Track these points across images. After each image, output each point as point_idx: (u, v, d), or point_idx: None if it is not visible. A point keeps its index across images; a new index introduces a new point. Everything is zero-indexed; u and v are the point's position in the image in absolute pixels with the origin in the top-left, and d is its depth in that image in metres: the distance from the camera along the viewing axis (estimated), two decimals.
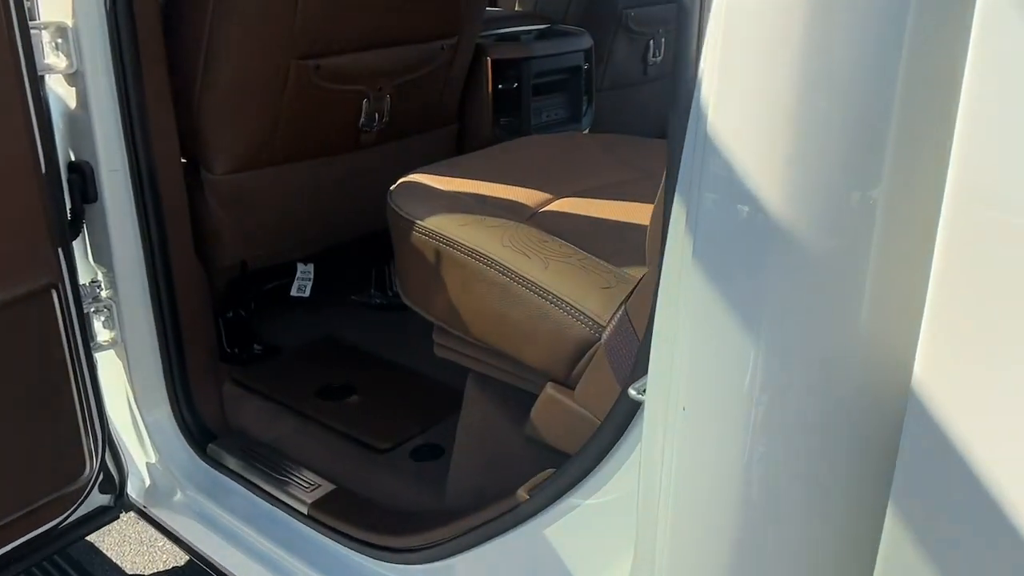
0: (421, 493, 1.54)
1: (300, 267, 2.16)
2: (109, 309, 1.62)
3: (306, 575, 1.47)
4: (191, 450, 1.69)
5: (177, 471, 1.68)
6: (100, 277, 1.62)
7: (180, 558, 1.92)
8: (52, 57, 1.44)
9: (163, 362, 1.69)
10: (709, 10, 0.75)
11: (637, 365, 1.00)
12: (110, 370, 1.66)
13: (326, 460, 1.64)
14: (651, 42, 2.83)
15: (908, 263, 0.70)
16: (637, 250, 1.32)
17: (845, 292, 0.73)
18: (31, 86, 1.29)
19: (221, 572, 1.57)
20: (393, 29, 1.84)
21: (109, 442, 1.57)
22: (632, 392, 0.90)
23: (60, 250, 1.41)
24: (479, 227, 1.31)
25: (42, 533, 1.48)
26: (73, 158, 1.55)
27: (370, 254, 2.34)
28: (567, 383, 1.23)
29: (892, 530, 0.71)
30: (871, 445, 0.75)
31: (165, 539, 1.69)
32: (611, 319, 1.14)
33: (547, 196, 1.52)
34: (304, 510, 1.52)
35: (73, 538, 1.60)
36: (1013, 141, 0.61)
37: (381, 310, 2.29)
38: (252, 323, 2.09)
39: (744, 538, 0.81)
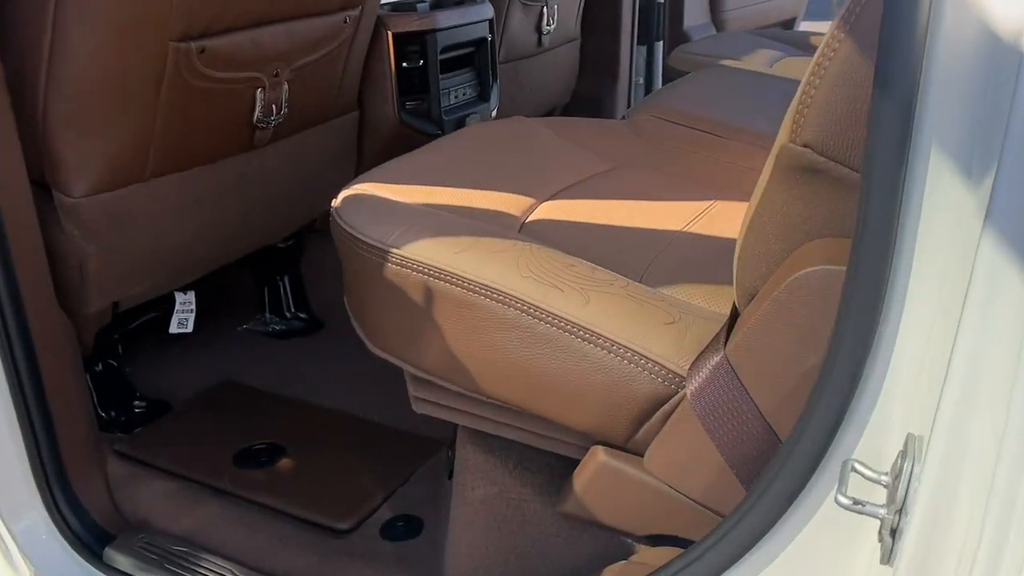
0: None
1: (179, 297, 1.76)
2: None
3: None
4: (81, 559, 1.29)
5: None
6: None
7: None
8: None
9: (27, 449, 1.28)
10: None
11: (760, 434, 0.75)
12: None
13: (267, 553, 1.29)
14: (544, 9, 2.57)
15: None
16: (672, 265, 1.06)
17: None
18: None
19: None
20: (293, 1, 1.47)
21: None
22: (841, 499, 0.64)
23: None
24: (481, 252, 1.01)
25: None
26: None
27: (260, 271, 1.96)
28: (626, 447, 0.95)
29: None
30: None
31: None
32: (697, 368, 0.87)
33: (528, 200, 1.23)
34: None
35: None
36: None
37: (282, 338, 1.92)
38: (126, 374, 1.68)
39: None
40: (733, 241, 1.17)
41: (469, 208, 1.17)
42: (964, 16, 0.57)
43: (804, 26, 3.76)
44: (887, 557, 0.64)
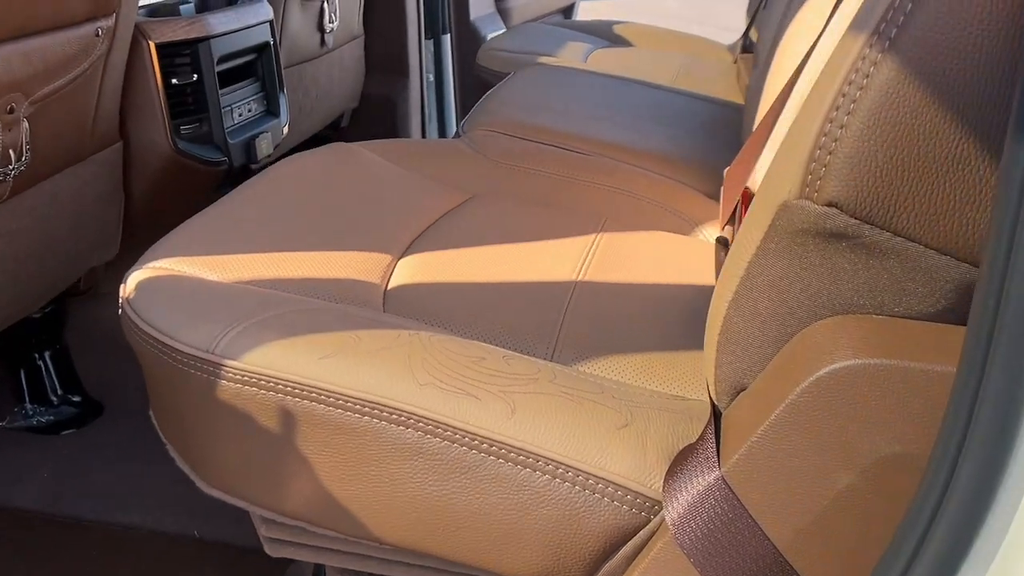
0: None
1: None
2: None
3: None
4: None
5: None
6: None
7: None
8: None
9: None
10: None
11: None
12: None
13: None
14: (325, 5, 2.27)
15: None
16: (583, 329, 0.85)
17: None
18: None
19: None
20: (22, 12, 1.10)
21: None
22: None
23: None
24: (356, 354, 0.74)
25: None
26: None
27: (12, 351, 1.55)
28: None
29: None
30: None
31: None
32: (676, 488, 0.66)
33: (381, 258, 0.97)
34: None
35: None
36: None
37: (50, 432, 1.53)
38: None
39: None
40: (641, 288, 0.98)
41: (313, 281, 0.89)
42: None
43: (581, 10, 3.69)
44: None
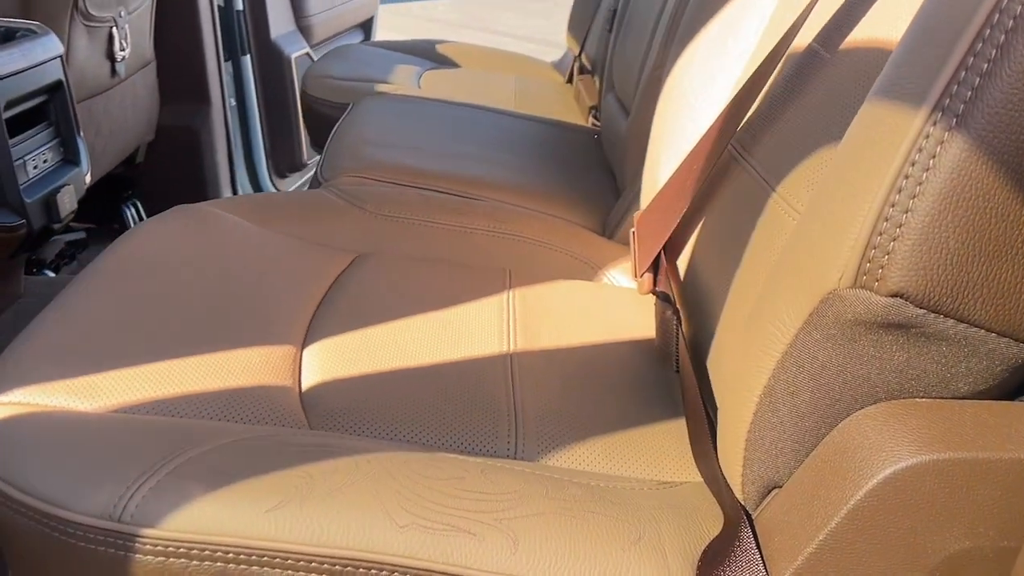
0: None
1: None
2: None
3: None
4: None
5: None
6: None
7: None
8: None
9: None
10: None
11: None
12: None
13: None
14: (113, 30, 2.02)
15: None
16: (538, 412, 0.77)
17: None
18: None
19: None
20: None
21: None
22: None
23: None
24: (314, 502, 0.61)
25: None
26: None
27: None
28: None
29: None
30: None
31: None
32: None
33: (283, 352, 0.83)
34: None
35: None
36: None
37: None
38: None
39: None
40: (577, 352, 0.91)
41: (211, 396, 0.74)
42: None
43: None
44: None
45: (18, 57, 1.42)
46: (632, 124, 1.30)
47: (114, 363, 0.75)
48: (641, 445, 0.77)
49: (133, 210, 2.26)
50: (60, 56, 1.57)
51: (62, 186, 1.53)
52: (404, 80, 1.87)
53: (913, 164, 0.49)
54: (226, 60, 2.54)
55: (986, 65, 0.47)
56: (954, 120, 0.48)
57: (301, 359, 0.83)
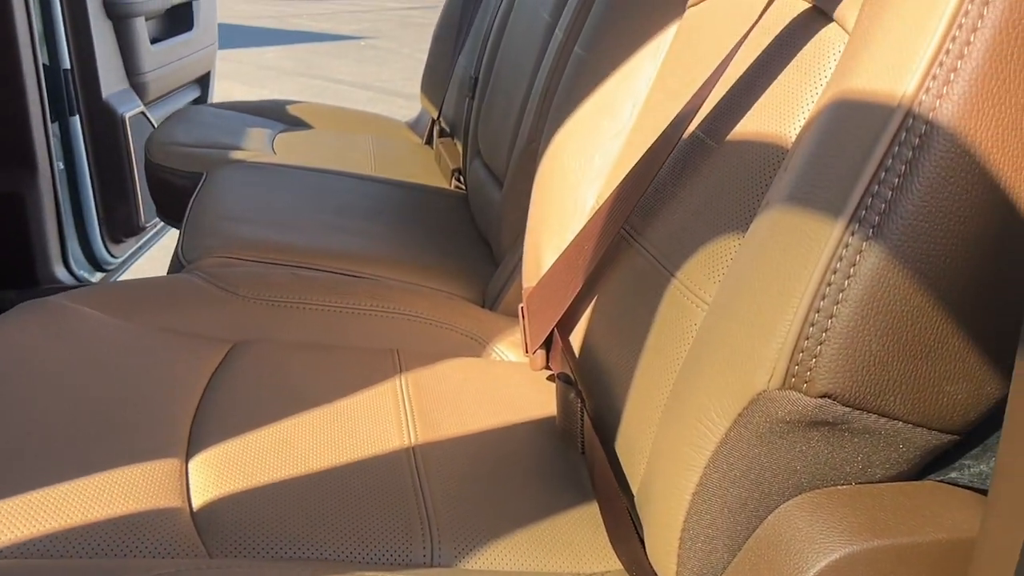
0: None
1: None
2: None
3: None
4: None
5: None
6: None
7: None
8: None
9: None
10: None
11: None
12: None
13: None
14: None
15: None
16: (457, 514, 0.76)
17: None
18: None
19: None
20: None
21: None
22: None
23: None
24: None
25: None
26: None
27: None
28: None
29: None
30: None
31: None
32: None
33: (169, 465, 0.78)
34: None
35: None
36: None
37: None
38: None
39: None
40: (480, 438, 0.89)
41: (94, 527, 0.68)
42: None
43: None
44: None
45: None
46: (507, 195, 1.31)
47: None
48: (559, 536, 0.76)
49: None
50: None
51: None
52: (257, 144, 1.81)
53: (835, 272, 0.51)
54: (53, 121, 2.38)
55: (897, 179, 0.50)
56: (870, 231, 0.50)
57: (188, 473, 0.77)
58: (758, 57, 0.77)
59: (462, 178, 1.77)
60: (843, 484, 0.58)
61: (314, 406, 0.90)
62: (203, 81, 3.30)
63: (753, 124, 0.74)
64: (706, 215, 0.75)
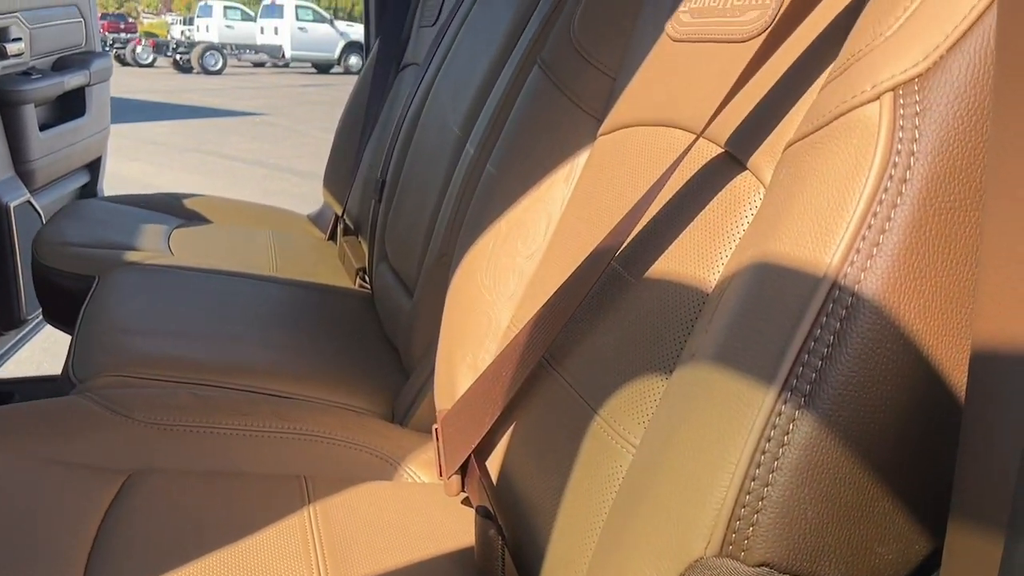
0: None
1: None
2: None
3: None
4: None
5: None
6: None
7: None
8: None
9: None
10: None
11: None
12: None
13: None
14: None
15: None
16: None
17: None
18: None
19: None
20: None
21: None
22: None
23: None
24: None
25: None
26: None
27: None
28: None
29: None
30: None
31: None
32: None
33: None
34: None
35: None
36: None
37: None
38: None
39: None
40: (405, 574, 0.85)
41: None
42: None
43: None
44: None
45: None
46: (418, 306, 1.29)
47: None
48: None
49: None
50: None
51: None
52: (152, 243, 1.74)
53: (769, 440, 0.51)
54: None
55: (826, 349, 0.51)
56: (802, 399, 0.51)
57: None
58: (674, 195, 0.78)
59: (367, 278, 1.75)
60: None
61: (218, 544, 0.85)
62: (93, 166, 3.19)
63: (671, 263, 0.75)
64: (627, 353, 0.75)
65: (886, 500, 0.53)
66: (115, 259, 1.57)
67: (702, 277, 0.70)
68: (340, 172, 2.12)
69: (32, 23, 2.69)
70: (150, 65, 20.14)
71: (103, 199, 2.15)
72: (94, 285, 1.44)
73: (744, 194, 0.70)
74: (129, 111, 11.11)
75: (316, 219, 2.27)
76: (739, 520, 0.52)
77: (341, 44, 20.48)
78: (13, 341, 2.49)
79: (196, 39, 21.61)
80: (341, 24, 21.46)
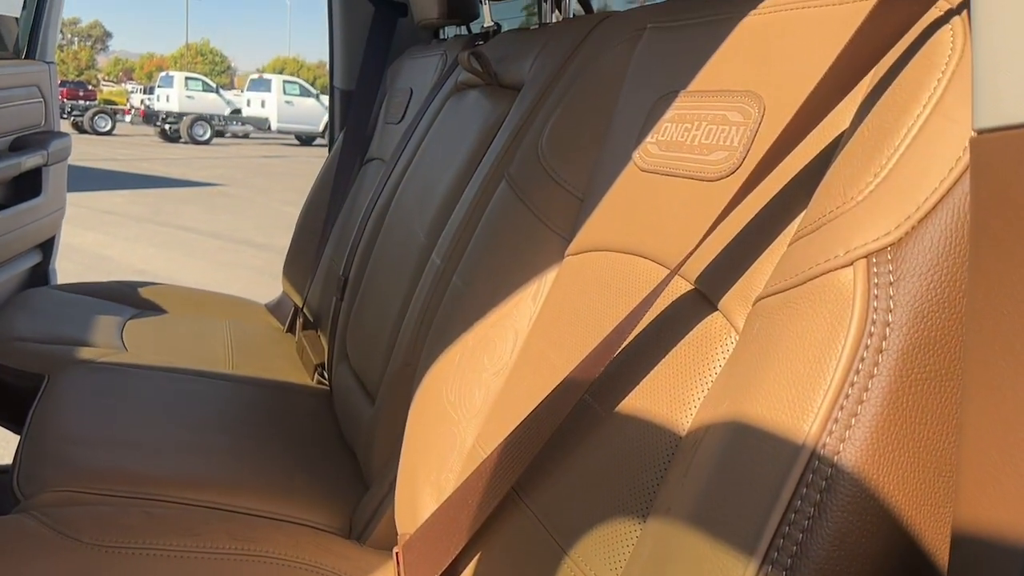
0: None
1: None
2: None
3: None
4: None
5: None
6: None
7: None
8: None
9: None
10: None
11: None
12: None
13: None
14: None
15: None
16: None
17: None
18: None
19: None
20: None
21: None
22: None
23: None
24: None
25: None
26: None
27: None
28: None
29: None
30: None
31: None
32: None
33: None
34: None
35: None
36: None
37: None
38: None
39: None
40: None
41: None
42: None
43: None
44: None
45: None
46: (379, 414, 1.27)
47: None
48: None
49: None
50: None
51: None
52: (105, 336, 1.70)
53: None
54: None
55: (807, 521, 0.50)
56: (783, 573, 0.50)
57: None
58: (644, 329, 0.78)
59: (326, 375, 1.72)
60: None
61: None
62: (46, 245, 3.13)
63: (642, 400, 0.74)
64: (597, 491, 0.74)
65: None
66: (67, 355, 1.53)
67: (674, 419, 0.70)
68: (300, 263, 2.10)
69: None
70: (108, 133, 20.09)
71: (55, 287, 2.10)
72: (43, 385, 1.40)
73: (715, 336, 0.70)
74: (86, 179, 11.00)
75: (274, 309, 2.23)
76: None
77: (326, 118, 20.89)
78: None
79: (156, 108, 21.70)
80: (326, 99, 21.89)
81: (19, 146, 2.81)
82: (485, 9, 1.66)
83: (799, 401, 0.53)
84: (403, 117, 1.81)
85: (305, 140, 21.38)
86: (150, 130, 21.35)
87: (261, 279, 6.17)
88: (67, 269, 3.34)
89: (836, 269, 0.54)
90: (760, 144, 0.73)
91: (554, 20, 1.45)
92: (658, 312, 0.77)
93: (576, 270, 0.96)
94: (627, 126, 0.96)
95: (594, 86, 1.05)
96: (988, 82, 0.44)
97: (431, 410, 1.07)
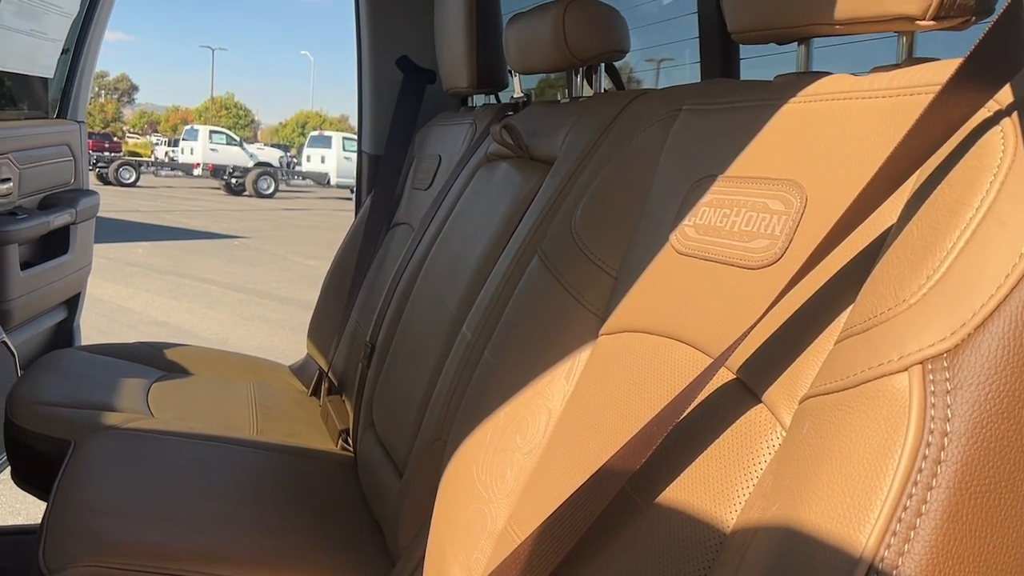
0: None
1: None
2: None
3: None
4: None
5: None
6: None
7: None
8: None
9: None
10: None
11: None
12: None
13: None
14: None
15: None
16: None
17: None
18: None
19: None
20: None
21: None
22: None
23: None
24: None
25: None
26: None
27: None
28: None
29: None
30: None
31: None
32: None
33: None
34: None
35: None
36: None
37: None
38: None
39: None
40: None
41: None
42: None
43: None
44: None
45: None
46: (407, 488, 1.25)
47: None
48: None
49: None
50: None
51: None
52: (131, 400, 1.70)
53: None
54: None
55: None
56: None
57: None
58: (686, 418, 0.77)
59: (350, 441, 1.71)
60: None
61: None
62: (72, 302, 3.15)
63: (684, 494, 0.73)
64: None
65: None
66: (92, 421, 1.53)
67: (718, 514, 0.68)
68: (326, 326, 2.10)
69: (23, 163, 2.71)
70: (132, 184, 20.43)
71: (80, 349, 2.11)
72: (69, 453, 1.39)
73: (760, 430, 0.69)
74: (109, 231, 11.16)
75: (298, 371, 2.23)
76: None
77: None
78: None
79: (180, 160, 22.13)
80: None
81: (49, 204, 2.86)
82: (516, 81, 1.69)
83: (856, 511, 0.51)
84: (431, 183, 1.82)
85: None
86: (216, 183, 21.96)
87: (281, 332, 6.20)
88: (89, 320, 3.36)
89: (891, 374, 0.53)
90: (803, 234, 0.73)
91: (584, 94, 1.47)
92: (699, 400, 0.76)
93: (611, 350, 0.95)
94: (663, 207, 0.96)
95: (628, 165, 1.06)
96: None
97: (461, 488, 1.06)
